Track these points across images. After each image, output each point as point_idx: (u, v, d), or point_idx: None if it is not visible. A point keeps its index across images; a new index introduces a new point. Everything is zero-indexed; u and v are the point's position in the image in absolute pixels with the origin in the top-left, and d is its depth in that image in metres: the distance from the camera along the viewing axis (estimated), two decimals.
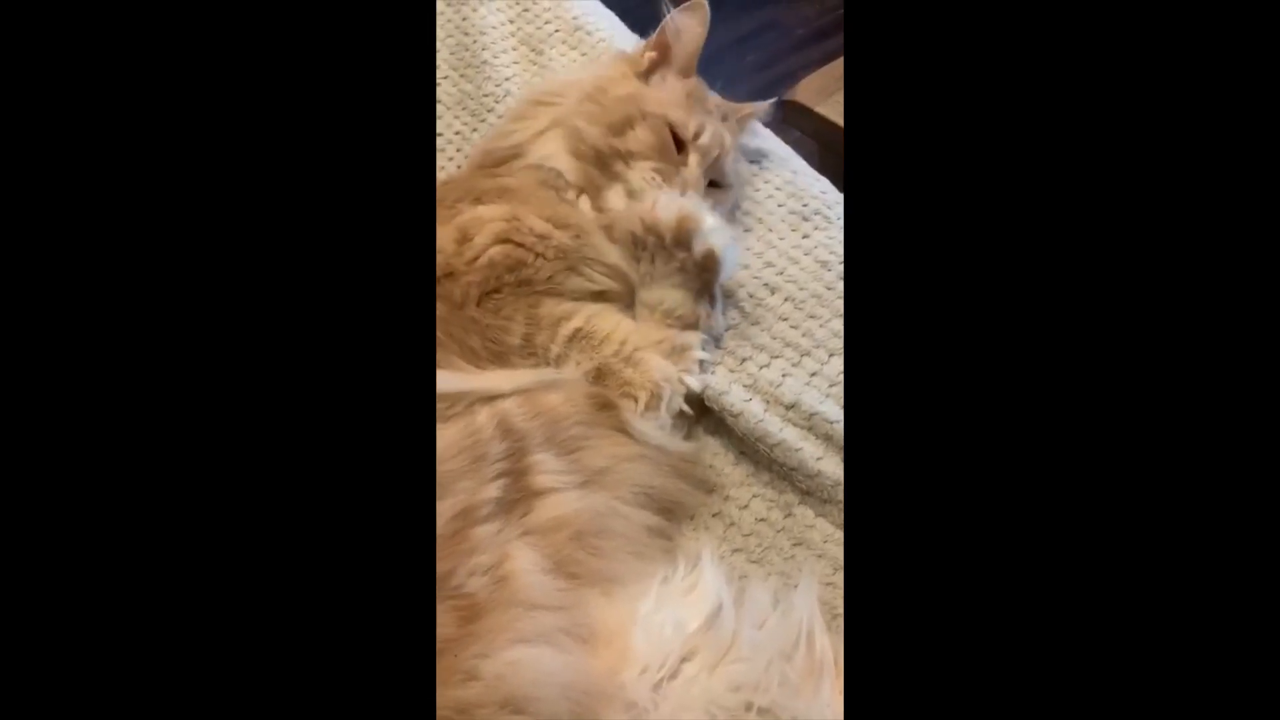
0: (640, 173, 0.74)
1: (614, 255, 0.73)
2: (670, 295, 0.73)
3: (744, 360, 0.74)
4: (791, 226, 0.82)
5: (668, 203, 0.71)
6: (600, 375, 0.69)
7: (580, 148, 0.76)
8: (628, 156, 0.75)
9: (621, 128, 0.75)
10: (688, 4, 0.79)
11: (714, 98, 0.85)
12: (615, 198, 0.75)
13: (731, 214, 0.82)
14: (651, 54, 0.81)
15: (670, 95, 0.77)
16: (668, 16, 0.80)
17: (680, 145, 0.76)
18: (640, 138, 0.75)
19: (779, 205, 0.85)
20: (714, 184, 0.80)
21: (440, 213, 0.75)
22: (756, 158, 0.88)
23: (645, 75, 0.80)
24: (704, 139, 0.76)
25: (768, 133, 0.93)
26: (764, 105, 0.88)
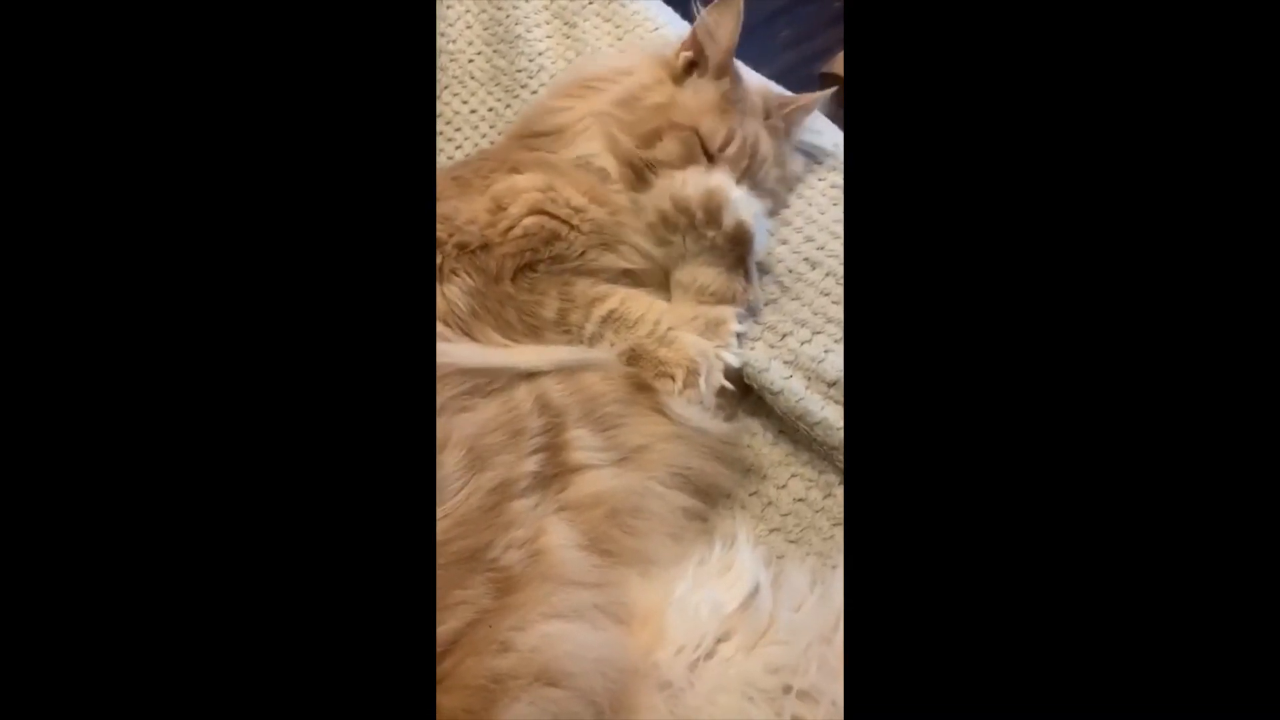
0: (668, 181, 0.72)
1: (645, 240, 0.73)
2: (704, 273, 0.72)
3: (784, 336, 0.72)
4: (832, 200, 0.81)
5: (696, 179, 0.70)
6: (635, 357, 0.68)
7: (618, 152, 0.75)
8: (657, 166, 0.74)
9: (650, 139, 0.74)
10: (719, 1, 0.77)
11: (761, 91, 0.82)
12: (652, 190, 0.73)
13: (770, 212, 0.80)
14: (686, 54, 0.79)
15: (702, 101, 0.75)
16: (699, 16, 0.78)
17: (710, 155, 0.75)
18: (668, 149, 0.74)
19: (819, 179, 0.83)
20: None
21: (475, 182, 0.74)
22: (818, 156, 0.85)
23: (680, 77, 0.78)
24: (731, 149, 0.74)
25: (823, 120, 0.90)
26: (816, 96, 0.84)
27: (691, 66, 0.79)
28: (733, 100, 0.76)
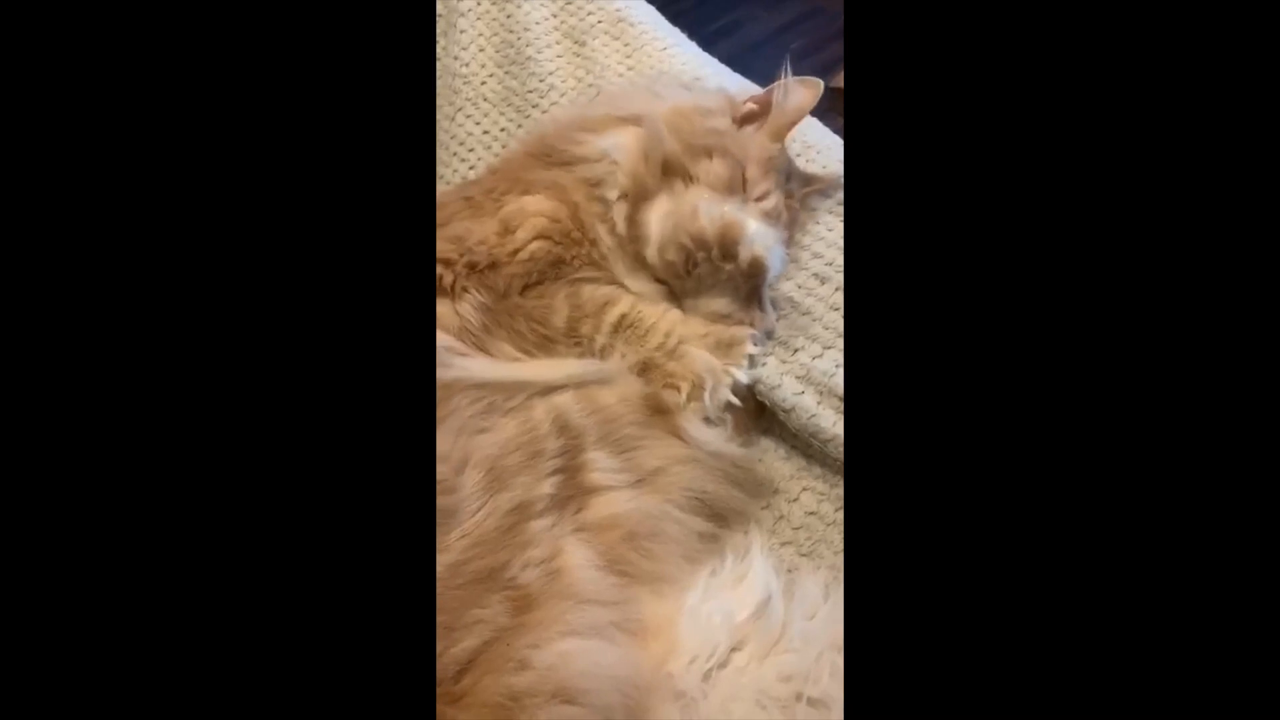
0: (696, 195, 0.72)
1: (631, 281, 0.74)
2: (718, 302, 0.72)
3: (796, 351, 0.73)
4: (839, 217, 0.81)
5: (708, 210, 0.70)
6: (645, 369, 0.69)
7: (652, 150, 0.75)
8: (692, 179, 0.74)
9: (699, 153, 0.74)
10: (805, 78, 0.80)
11: (792, 167, 0.83)
12: (658, 209, 0.73)
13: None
14: (752, 105, 0.80)
15: (757, 150, 0.77)
16: (782, 79, 0.79)
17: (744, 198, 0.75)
18: (714, 169, 0.74)
19: (826, 195, 0.84)
20: None
21: (486, 204, 0.76)
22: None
23: (739, 122, 0.80)
24: (767, 204, 0.75)
25: (814, 122, 0.91)
26: (834, 179, 0.85)
27: (751, 118, 0.80)
28: (778, 165, 0.78)
